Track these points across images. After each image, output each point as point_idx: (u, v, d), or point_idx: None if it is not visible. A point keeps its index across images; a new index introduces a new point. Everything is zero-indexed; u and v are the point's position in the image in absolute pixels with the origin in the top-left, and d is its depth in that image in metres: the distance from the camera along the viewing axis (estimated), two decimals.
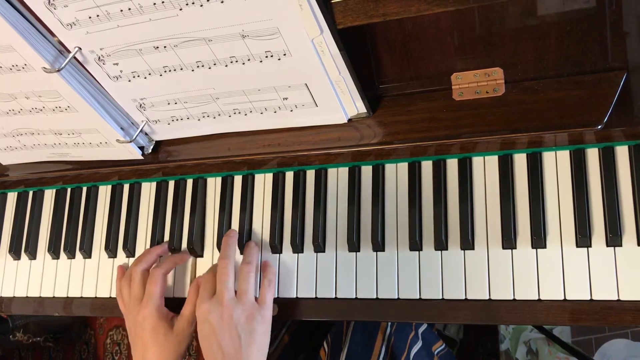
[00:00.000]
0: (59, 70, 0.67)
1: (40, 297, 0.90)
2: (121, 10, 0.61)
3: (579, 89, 0.64)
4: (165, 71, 0.69)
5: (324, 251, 0.76)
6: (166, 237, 0.85)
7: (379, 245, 0.73)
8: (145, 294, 0.76)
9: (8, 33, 0.64)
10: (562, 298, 0.65)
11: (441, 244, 0.70)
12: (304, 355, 0.96)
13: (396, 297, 0.71)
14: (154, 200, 0.87)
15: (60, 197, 0.94)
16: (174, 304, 0.79)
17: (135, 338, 0.76)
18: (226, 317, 0.68)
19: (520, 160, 0.70)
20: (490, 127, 0.67)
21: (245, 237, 0.80)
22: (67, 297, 0.88)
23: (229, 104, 0.73)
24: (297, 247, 0.77)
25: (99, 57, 0.68)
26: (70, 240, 0.91)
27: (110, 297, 0.85)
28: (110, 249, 0.87)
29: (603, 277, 0.64)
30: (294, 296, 0.75)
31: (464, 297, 0.68)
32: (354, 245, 0.74)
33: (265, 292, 0.73)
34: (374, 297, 0.72)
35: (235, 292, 0.71)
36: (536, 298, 0.65)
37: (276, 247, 0.78)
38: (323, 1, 0.57)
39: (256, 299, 0.72)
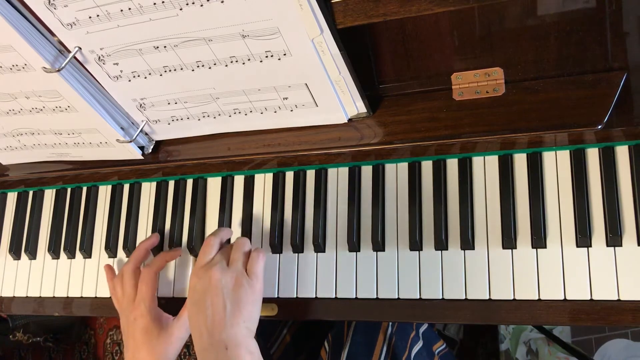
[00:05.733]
0: (59, 70, 0.67)
1: (40, 297, 0.90)
2: (121, 10, 0.61)
3: (579, 89, 0.64)
4: (165, 71, 0.69)
5: (324, 251, 0.76)
6: (166, 237, 0.85)
7: (379, 245, 0.73)
8: (137, 294, 0.76)
9: (8, 33, 0.64)
10: (562, 298, 0.65)
11: (441, 244, 0.70)
12: (305, 354, 0.96)
13: (396, 297, 0.71)
14: (154, 200, 0.87)
15: (60, 197, 0.94)
16: (173, 304, 0.79)
17: (127, 337, 0.76)
18: (214, 281, 0.67)
19: (520, 160, 0.70)
20: (490, 127, 0.67)
21: (245, 237, 0.80)
22: (67, 297, 0.88)
23: (229, 104, 0.73)
24: (297, 247, 0.77)
25: (99, 57, 0.68)
26: (70, 240, 0.91)
27: (110, 297, 0.85)
28: (111, 249, 0.87)
29: (603, 277, 0.64)
30: (294, 296, 0.75)
31: (464, 297, 0.68)
32: (354, 245, 0.74)
33: (253, 262, 0.71)
34: (374, 297, 0.72)
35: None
36: (536, 298, 0.65)
37: (276, 247, 0.78)
38: (323, 1, 0.57)
39: None
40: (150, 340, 0.73)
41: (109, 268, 0.84)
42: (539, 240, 0.66)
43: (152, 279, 0.76)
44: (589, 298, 0.64)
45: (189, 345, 1.61)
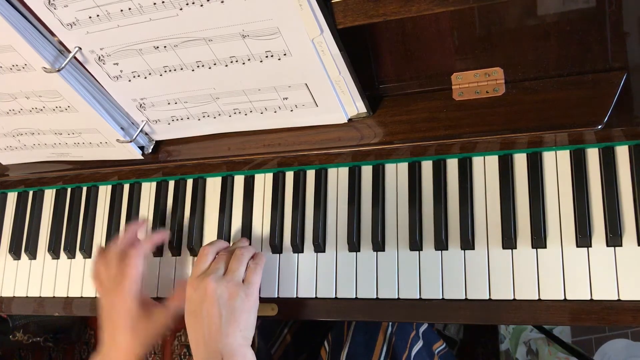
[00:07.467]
0: (59, 70, 0.67)
1: (40, 297, 0.90)
2: (121, 10, 0.61)
3: (579, 89, 0.64)
4: (165, 71, 0.69)
5: (324, 251, 0.76)
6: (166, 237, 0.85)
7: (379, 245, 0.73)
8: (122, 276, 0.74)
9: (8, 33, 0.64)
10: (562, 298, 0.65)
11: (441, 244, 0.70)
12: (306, 354, 0.96)
13: (396, 297, 0.71)
14: (154, 200, 0.87)
15: (60, 197, 0.94)
16: None
17: (107, 319, 0.74)
18: (209, 290, 0.67)
19: (520, 160, 0.70)
20: (490, 127, 0.67)
21: (245, 237, 0.80)
22: (67, 297, 0.88)
23: (229, 104, 0.73)
24: (297, 247, 0.77)
25: (99, 57, 0.68)
26: (70, 240, 0.91)
27: None
28: None
29: (603, 277, 0.64)
30: (294, 296, 0.75)
31: (464, 297, 0.68)
32: (354, 245, 0.74)
33: (250, 273, 0.71)
34: (374, 297, 0.72)
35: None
36: (536, 298, 0.65)
37: (276, 247, 0.78)
38: (323, 1, 0.57)
39: None
40: (133, 325, 0.72)
41: (101, 249, 0.82)
42: (539, 240, 0.66)
43: (137, 262, 0.74)
44: (589, 298, 0.64)
45: (188, 345, 1.61)
